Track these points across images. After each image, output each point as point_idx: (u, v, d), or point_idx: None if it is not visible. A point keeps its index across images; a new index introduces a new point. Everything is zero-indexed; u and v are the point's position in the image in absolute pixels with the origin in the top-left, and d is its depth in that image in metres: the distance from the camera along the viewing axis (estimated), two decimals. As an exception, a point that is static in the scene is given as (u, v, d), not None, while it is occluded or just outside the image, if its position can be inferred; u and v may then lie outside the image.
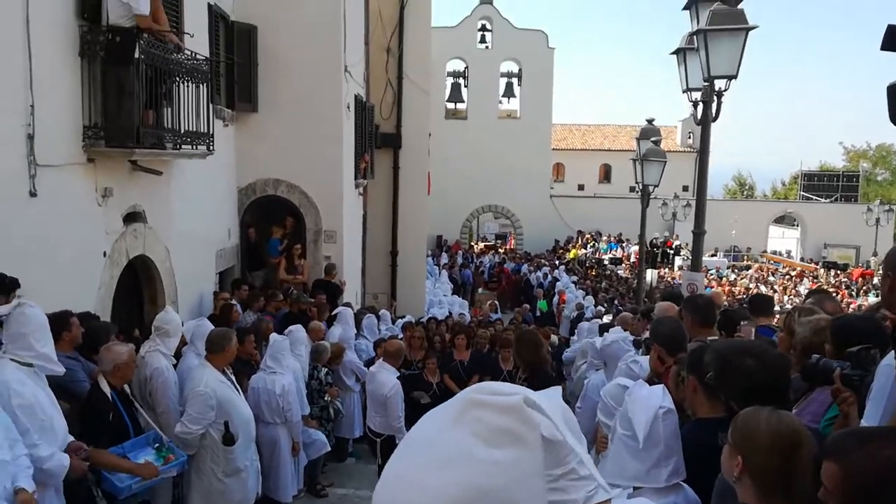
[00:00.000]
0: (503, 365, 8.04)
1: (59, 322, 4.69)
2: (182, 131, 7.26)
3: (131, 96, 6.16)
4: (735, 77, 6.85)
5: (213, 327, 5.85)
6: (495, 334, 9.37)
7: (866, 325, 2.85)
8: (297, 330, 7.24)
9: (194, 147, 7.61)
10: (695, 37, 7.16)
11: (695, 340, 4.63)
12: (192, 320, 6.42)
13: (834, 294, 24.02)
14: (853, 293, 24.46)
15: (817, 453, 2.35)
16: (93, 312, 5.89)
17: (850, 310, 20.91)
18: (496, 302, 19.63)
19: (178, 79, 7.05)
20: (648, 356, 4.60)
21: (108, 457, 4.44)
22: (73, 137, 6.02)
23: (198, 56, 7.43)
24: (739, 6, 6.77)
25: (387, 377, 6.58)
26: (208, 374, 5.08)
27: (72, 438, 4.13)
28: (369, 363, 8.50)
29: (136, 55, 6.14)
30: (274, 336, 6.48)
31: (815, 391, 2.92)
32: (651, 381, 4.36)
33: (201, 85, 7.52)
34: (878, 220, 30.88)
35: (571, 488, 1.80)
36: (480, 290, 22.75)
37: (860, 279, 26.65)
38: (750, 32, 6.91)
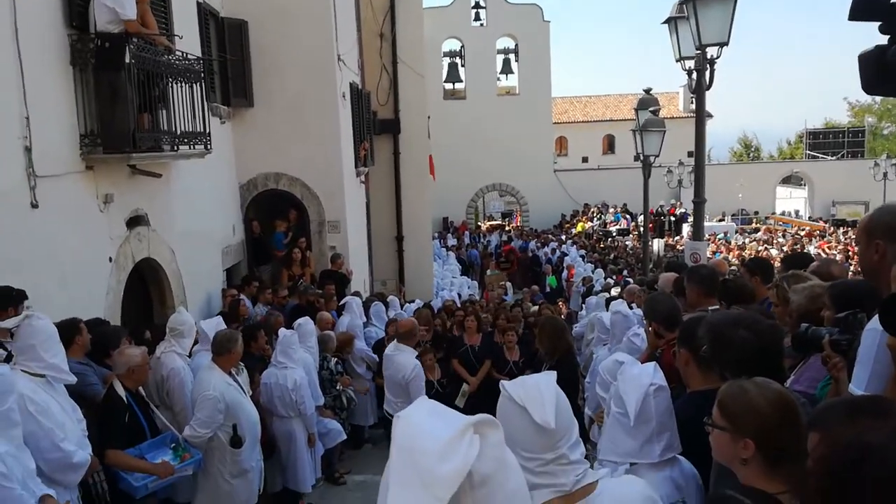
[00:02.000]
0: (508, 355, 7.96)
1: (69, 329, 4.77)
2: (179, 132, 7.29)
3: (125, 101, 6.18)
4: (727, 44, 6.80)
5: (225, 327, 5.92)
6: (498, 314, 9.32)
7: (864, 288, 2.84)
8: (306, 322, 7.28)
9: (192, 147, 7.65)
10: (684, 5, 7.11)
11: (699, 309, 4.67)
12: (207, 320, 6.47)
13: (845, 250, 23.91)
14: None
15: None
16: (103, 318, 5.98)
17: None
18: (507, 283, 19.64)
19: (171, 80, 7.07)
20: (648, 330, 4.64)
21: (124, 458, 4.52)
22: (70, 146, 6.06)
23: (189, 56, 7.44)
24: (727, -29, 6.72)
25: (405, 358, 6.45)
26: (216, 377, 5.12)
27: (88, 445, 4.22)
28: (378, 347, 8.54)
29: (127, 60, 6.15)
30: (282, 331, 6.53)
31: (812, 357, 2.95)
32: (651, 354, 4.42)
33: (195, 84, 7.54)
34: (885, 175, 30.56)
35: (561, 472, 1.86)
36: (489, 270, 22.70)
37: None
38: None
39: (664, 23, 8.05)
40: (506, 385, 1.90)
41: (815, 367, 2.94)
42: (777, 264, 22.15)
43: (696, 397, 2.57)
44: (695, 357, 2.71)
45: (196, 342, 6.09)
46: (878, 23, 1.72)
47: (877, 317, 2.16)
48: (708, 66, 6.97)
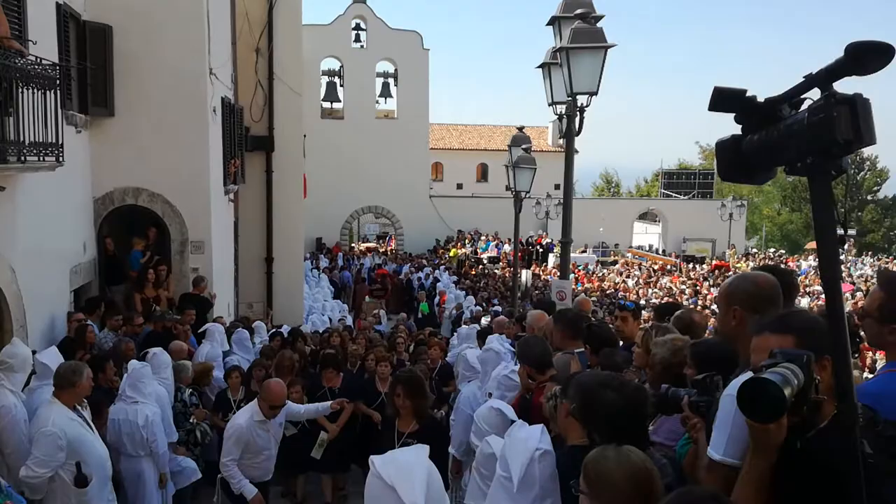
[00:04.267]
0: (380, 387, 7.32)
1: None
2: (27, 142, 6.69)
3: (-38, 107, 5.59)
4: (596, 93, 7.14)
5: (62, 360, 5.42)
6: (367, 354, 8.53)
7: (723, 350, 2.95)
8: (160, 353, 6.83)
9: (42, 159, 7.03)
10: (558, 53, 7.41)
11: (564, 352, 4.81)
12: (45, 351, 5.89)
13: (694, 285, 25.73)
14: (710, 284, 26.26)
15: (670, 481, 2.47)
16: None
17: (710, 300, 22.42)
18: (382, 311, 19.47)
19: (21, 86, 6.48)
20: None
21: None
22: None
23: (44, 61, 6.86)
24: (599, 24, 7.08)
25: (237, 416, 5.71)
26: (56, 412, 4.70)
27: None
28: (247, 380, 8.00)
29: (-32, 62, 5.58)
30: (133, 363, 6.07)
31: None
32: (522, 396, 4.49)
33: (49, 91, 6.95)
34: (731, 215, 33.41)
35: None
36: (367, 298, 22.45)
37: (715, 270, 28.69)
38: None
39: (538, 67, 8.36)
40: (375, 461, 1.84)
41: (672, 419, 3.07)
42: (632, 296, 23.23)
43: (577, 451, 2.60)
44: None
45: (33, 374, 5.56)
46: (734, 113, 1.82)
47: (732, 383, 2.27)
48: (578, 112, 7.29)
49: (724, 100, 1.75)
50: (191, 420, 7.07)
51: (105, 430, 5.70)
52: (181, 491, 6.69)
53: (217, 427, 7.26)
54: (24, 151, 6.66)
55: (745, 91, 1.75)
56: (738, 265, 29.37)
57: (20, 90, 6.48)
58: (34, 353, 5.71)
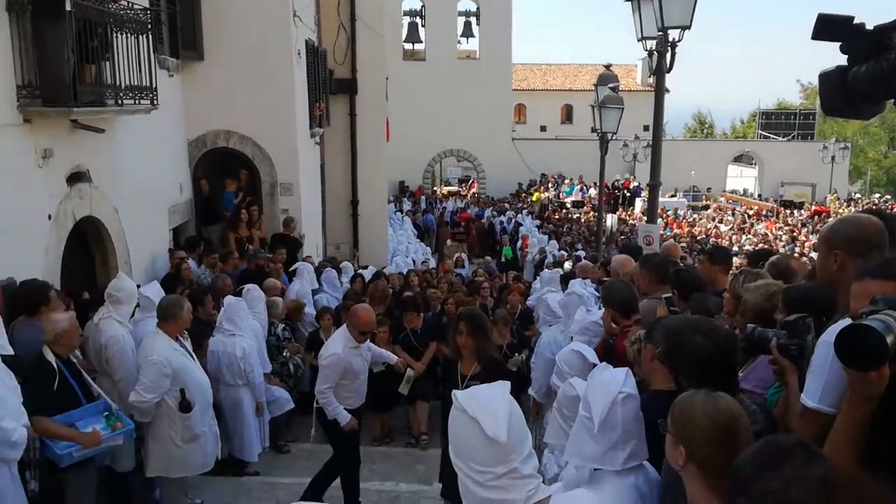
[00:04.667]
0: None
1: (37, 296, 4.75)
2: (123, 86, 6.98)
3: (64, 52, 5.84)
4: (688, 27, 6.77)
5: (163, 294, 5.74)
6: (448, 298, 8.66)
7: (820, 295, 2.77)
8: (253, 289, 7.14)
9: (137, 102, 7.33)
10: (649, -15, 7.05)
11: (650, 297, 4.72)
12: (147, 286, 6.25)
13: (791, 231, 24.56)
14: (809, 231, 25.03)
15: (761, 428, 2.40)
16: (40, 279, 5.72)
17: (808, 247, 21.35)
18: (464, 255, 19.58)
19: (115, 31, 6.73)
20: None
21: (50, 425, 4.35)
22: (6, 97, 5.71)
23: (135, 5, 7.09)
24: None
25: (331, 345, 5.54)
26: (161, 343, 5.01)
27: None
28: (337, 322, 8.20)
29: (68, 8, 5.80)
30: (228, 298, 6.38)
31: (761, 356, 2.97)
32: (605, 341, 4.46)
33: (141, 36, 7.20)
34: (833, 158, 31.45)
35: (512, 487, 1.83)
36: (449, 241, 22.54)
37: (815, 216, 27.28)
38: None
39: (627, 0, 7.98)
40: (458, 396, 1.86)
41: (762, 367, 2.97)
42: (724, 242, 22.40)
43: (659, 396, 2.56)
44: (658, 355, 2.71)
45: (137, 307, 5.92)
46: (839, 43, 1.69)
47: (830, 329, 2.16)
48: (669, 48, 6.94)
49: (829, 28, 1.62)
50: (284, 353, 7.41)
51: (206, 361, 6.04)
52: (276, 419, 7.08)
53: (309, 363, 7.58)
54: (121, 95, 6.96)
55: (852, 18, 1.61)
56: (840, 211, 27.80)
57: (114, 35, 6.73)
58: (138, 287, 6.08)
